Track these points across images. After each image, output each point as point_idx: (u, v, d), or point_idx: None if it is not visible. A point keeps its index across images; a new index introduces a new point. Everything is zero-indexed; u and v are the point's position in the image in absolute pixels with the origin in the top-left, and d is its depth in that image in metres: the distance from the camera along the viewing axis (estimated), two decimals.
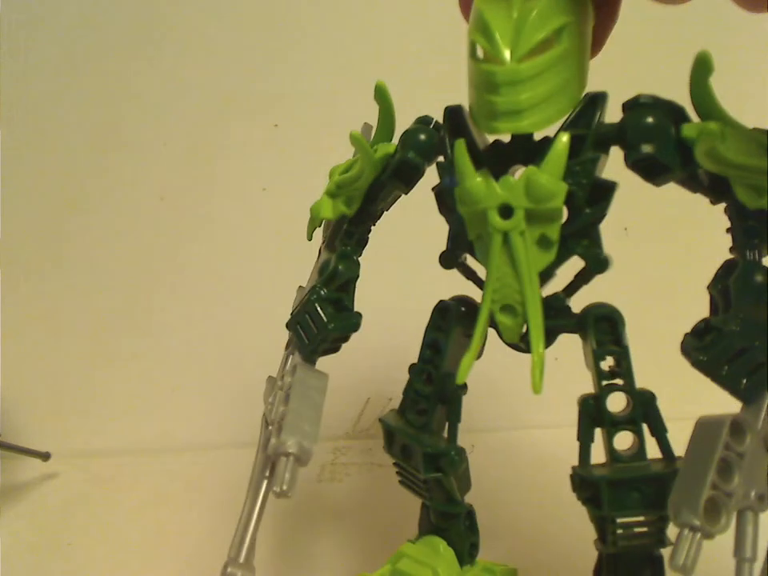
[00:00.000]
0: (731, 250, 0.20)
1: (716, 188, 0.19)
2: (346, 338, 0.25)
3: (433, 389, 0.24)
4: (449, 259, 0.23)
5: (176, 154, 0.51)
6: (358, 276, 0.25)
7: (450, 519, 0.25)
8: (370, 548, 0.30)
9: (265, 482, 0.23)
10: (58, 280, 0.53)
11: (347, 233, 0.25)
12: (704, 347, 0.19)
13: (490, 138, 0.21)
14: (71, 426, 0.54)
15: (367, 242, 0.26)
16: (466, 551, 0.25)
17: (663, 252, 0.51)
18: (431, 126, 0.23)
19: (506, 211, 0.19)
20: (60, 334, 0.54)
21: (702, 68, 0.17)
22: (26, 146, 0.51)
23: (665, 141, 0.19)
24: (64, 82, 0.50)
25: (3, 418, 0.52)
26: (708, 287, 0.20)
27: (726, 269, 0.20)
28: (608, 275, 0.22)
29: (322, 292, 0.24)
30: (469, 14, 0.20)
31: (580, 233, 0.20)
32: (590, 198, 0.20)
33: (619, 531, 0.21)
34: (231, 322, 0.51)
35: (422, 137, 0.22)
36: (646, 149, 0.19)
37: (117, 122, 0.51)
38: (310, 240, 0.27)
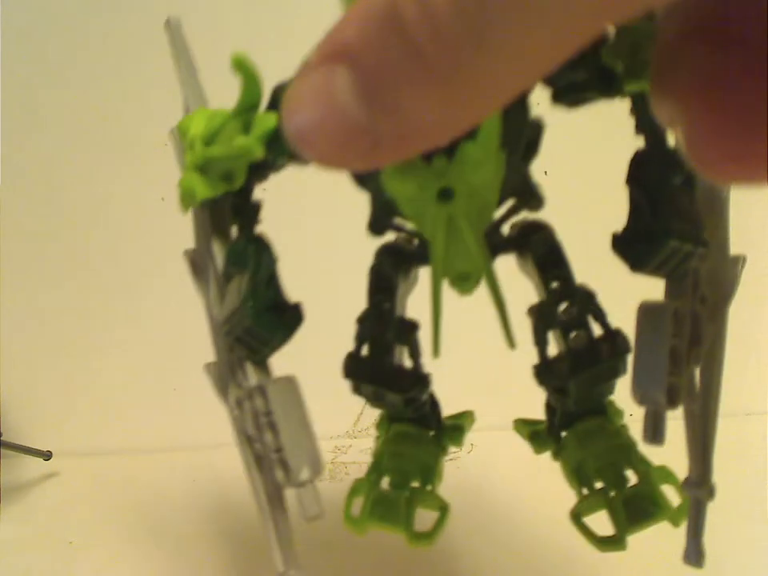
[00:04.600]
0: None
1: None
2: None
3: (392, 333, 0.24)
4: (379, 227, 0.21)
5: None
6: (276, 259, 0.22)
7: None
8: (370, 547, 0.31)
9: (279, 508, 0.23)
10: (58, 280, 0.53)
11: (237, 208, 0.22)
12: (649, 252, 0.19)
13: None
14: (72, 426, 0.54)
15: (260, 206, 0.22)
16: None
17: None
18: None
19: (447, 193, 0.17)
20: (60, 334, 0.54)
21: None
22: (26, 145, 0.51)
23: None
24: (64, 82, 0.50)
25: (4, 418, 0.52)
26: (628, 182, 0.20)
27: (639, 165, 0.20)
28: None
29: (251, 305, 0.21)
30: None
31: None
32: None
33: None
34: None
35: None
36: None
37: (117, 122, 0.51)
38: (186, 213, 0.24)
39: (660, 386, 0.20)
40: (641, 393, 0.20)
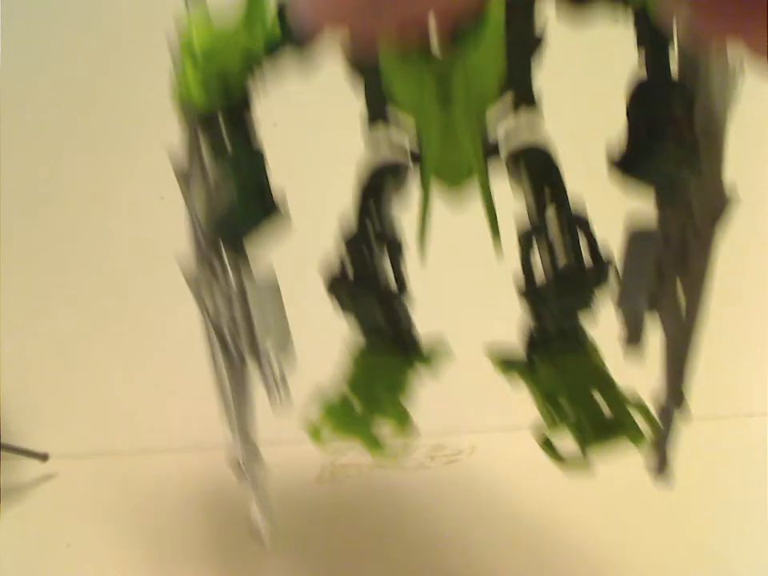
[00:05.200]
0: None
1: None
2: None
3: (377, 248, 0.24)
4: (374, 115, 0.21)
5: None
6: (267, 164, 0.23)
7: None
8: (371, 548, 0.30)
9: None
10: (57, 279, 0.53)
11: (234, 121, 0.23)
12: (647, 170, 0.19)
13: None
14: (70, 427, 0.54)
15: (257, 121, 0.23)
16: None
17: None
18: None
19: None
20: (60, 334, 0.54)
21: None
22: (25, 145, 0.51)
23: None
24: (63, 81, 0.50)
25: (3, 419, 0.52)
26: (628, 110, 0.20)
27: (637, 89, 0.20)
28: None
29: (238, 192, 0.22)
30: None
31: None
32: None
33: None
34: None
35: None
36: None
37: (116, 122, 0.51)
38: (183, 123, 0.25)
39: (641, 294, 0.20)
40: (623, 300, 0.21)
